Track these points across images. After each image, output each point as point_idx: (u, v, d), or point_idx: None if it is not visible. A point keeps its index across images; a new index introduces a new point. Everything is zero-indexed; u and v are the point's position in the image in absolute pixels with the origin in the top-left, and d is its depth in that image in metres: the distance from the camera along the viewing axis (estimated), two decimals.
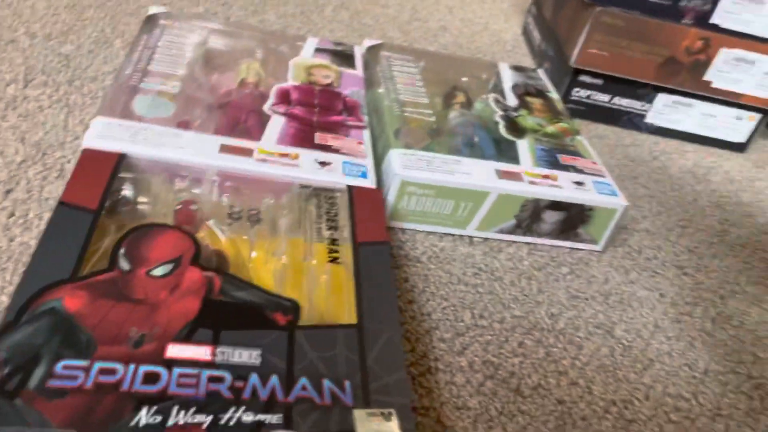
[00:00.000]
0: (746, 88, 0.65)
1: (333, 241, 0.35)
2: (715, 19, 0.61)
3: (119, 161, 0.37)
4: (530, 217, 0.48)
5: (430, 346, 0.38)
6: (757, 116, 0.68)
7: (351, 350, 0.30)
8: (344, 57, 0.55)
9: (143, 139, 0.39)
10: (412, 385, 0.36)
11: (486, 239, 0.48)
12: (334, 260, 0.34)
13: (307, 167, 0.40)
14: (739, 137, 0.70)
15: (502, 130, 0.52)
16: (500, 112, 0.54)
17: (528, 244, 0.49)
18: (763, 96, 0.65)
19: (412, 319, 0.40)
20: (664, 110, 0.68)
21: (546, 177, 0.47)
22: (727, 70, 0.63)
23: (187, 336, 0.28)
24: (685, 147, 0.70)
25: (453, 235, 0.48)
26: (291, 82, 0.49)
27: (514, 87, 0.59)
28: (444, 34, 0.81)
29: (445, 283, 0.43)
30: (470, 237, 0.48)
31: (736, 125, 0.69)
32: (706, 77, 0.64)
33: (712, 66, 0.63)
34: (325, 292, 0.33)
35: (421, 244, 0.46)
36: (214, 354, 0.28)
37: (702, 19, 0.61)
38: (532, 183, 0.46)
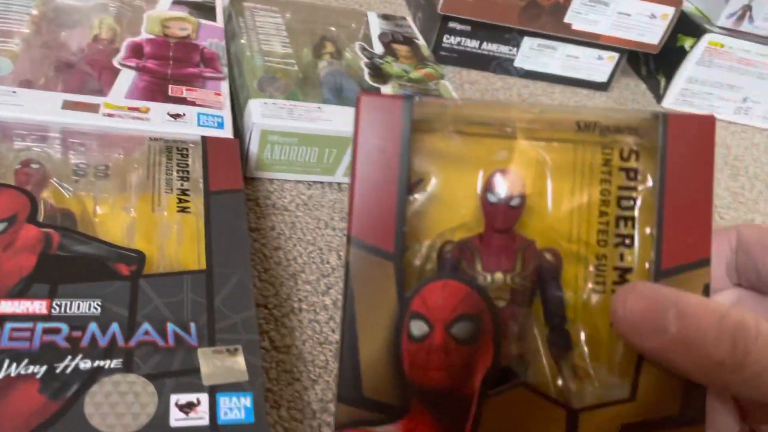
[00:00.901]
0: (603, 29, 0.68)
1: (184, 192, 0.35)
2: None
3: None
4: None
5: (294, 289, 0.39)
6: (615, 56, 0.72)
7: (198, 294, 0.30)
8: (205, 9, 0.54)
9: None
10: (275, 326, 0.37)
11: None
12: (183, 210, 0.34)
13: (157, 120, 0.40)
14: (601, 77, 0.73)
15: (367, 77, 0.53)
16: (366, 60, 0.55)
17: None
18: (619, 36, 0.69)
19: (278, 265, 0.41)
20: (531, 54, 0.70)
21: None
22: (584, 11, 0.66)
23: (20, 292, 0.27)
24: (553, 88, 0.73)
25: (322, 182, 0.48)
26: (144, 35, 0.48)
27: (382, 35, 0.60)
28: None
29: (313, 228, 0.44)
30: (339, 183, 0.49)
31: (598, 65, 0.72)
32: (566, 19, 0.67)
33: (570, 8, 0.66)
34: (176, 242, 0.33)
35: (288, 193, 0.47)
36: (50, 307, 0.27)
37: None
38: None
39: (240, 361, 0.28)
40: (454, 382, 0.21)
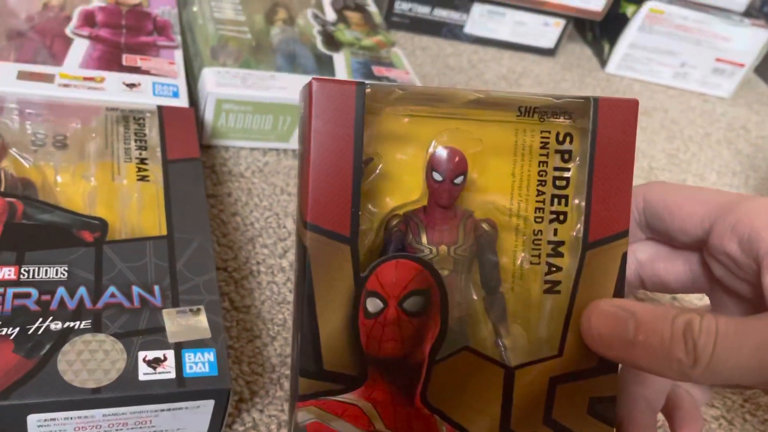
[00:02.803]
0: None
1: (142, 161, 0.37)
2: None
3: None
4: None
5: (252, 253, 0.41)
6: (562, 22, 0.74)
7: (160, 258, 0.32)
8: None
9: None
10: (234, 288, 0.39)
11: None
12: (143, 178, 0.36)
13: (113, 90, 0.40)
14: (549, 43, 0.76)
15: (320, 44, 0.54)
16: (318, 27, 0.56)
17: None
18: (565, 3, 0.71)
19: (236, 230, 0.42)
20: (480, 20, 0.72)
21: None
22: None
23: None
24: (502, 54, 0.75)
25: (277, 149, 0.50)
26: (96, 3, 0.48)
27: (334, 2, 0.61)
28: None
29: (269, 194, 0.46)
30: (294, 150, 0.50)
31: (545, 31, 0.75)
32: None
33: None
34: (137, 209, 0.34)
35: (245, 160, 0.48)
36: (19, 273, 0.29)
37: None
38: None
39: (202, 320, 0.30)
40: (406, 351, 0.23)
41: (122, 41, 0.45)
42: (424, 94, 0.24)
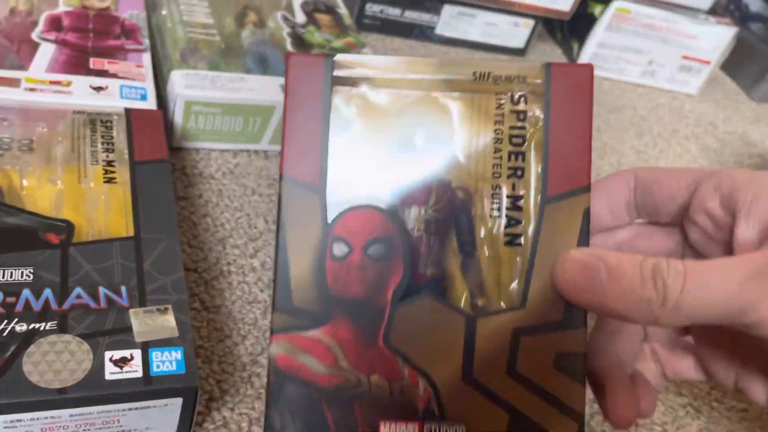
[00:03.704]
0: None
1: (109, 163, 0.37)
2: None
3: None
4: None
5: (223, 253, 0.41)
6: (531, 22, 0.75)
7: (127, 259, 0.32)
8: None
9: None
10: (205, 288, 0.39)
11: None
12: (110, 180, 0.36)
13: (80, 93, 0.40)
14: (518, 43, 0.77)
15: (289, 46, 0.54)
16: (288, 30, 0.56)
17: None
18: (533, 3, 0.72)
19: (206, 231, 0.43)
20: (451, 21, 0.73)
21: None
22: None
23: None
24: (473, 55, 0.76)
25: (248, 150, 0.50)
26: (62, 8, 0.48)
27: (304, 4, 0.61)
28: None
29: (240, 195, 0.46)
30: (265, 151, 0.51)
31: (515, 32, 0.76)
32: None
33: None
34: (104, 211, 0.34)
35: (215, 162, 0.48)
36: None
37: None
38: None
39: (170, 319, 0.30)
40: (370, 294, 0.25)
41: (89, 45, 0.45)
42: (389, 68, 0.26)
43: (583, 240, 0.25)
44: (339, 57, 0.25)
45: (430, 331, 0.25)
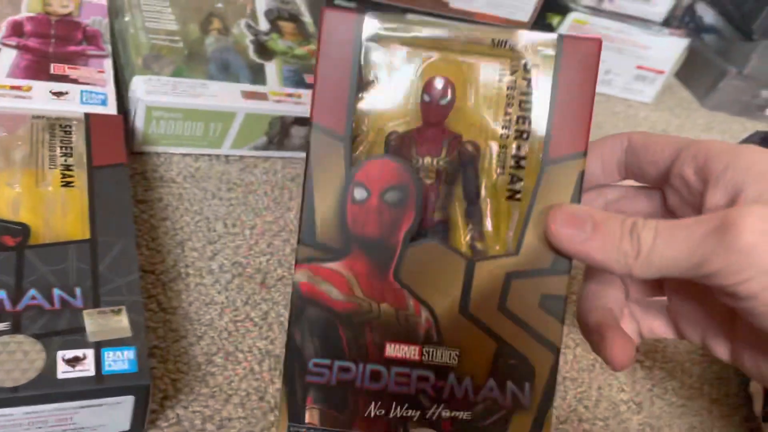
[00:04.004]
0: (479, 7, 0.73)
1: (67, 167, 0.37)
2: None
3: None
4: (280, 133, 0.52)
5: (181, 256, 0.42)
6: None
7: (83, 261, 0.33)
8: None
9: None
10: (162, 290, 0.40)
11: (242, 157, 0.52)
12: (68, 184, 0.36)
13: (40, 99, 0.41)
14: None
15: (252, 54, 0.55)
16: (251, 37, 0.58)
17: (282, 158, 0.54)
18: (493, 13, 0.74)
19: (165, 234, 0.43)
20: None
21: (290, 95, 0.52)
22: None
23: None
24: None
25: (209, 155, 0.51)
26: (25, 13, 0.48)
27: (268, 12, 0.62)
28: None
29: (200, 199, 0.47)
30: (226, 156, 0.52)
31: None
32: None
33: None
34: (61, 215, 0.35)
35: (176, 166, 0.49)
36: None
37: None
38: (277, 102, 0.51)
39: (123, 319, 0.31)
40: (384, 234, 0.28)
41: (51, 51, 0.46)
42: (417, 29, 0.28)
43: (576, 199, 0.28)
44: (370, 15, 0.27)
45: (434, 270, 0.29)
